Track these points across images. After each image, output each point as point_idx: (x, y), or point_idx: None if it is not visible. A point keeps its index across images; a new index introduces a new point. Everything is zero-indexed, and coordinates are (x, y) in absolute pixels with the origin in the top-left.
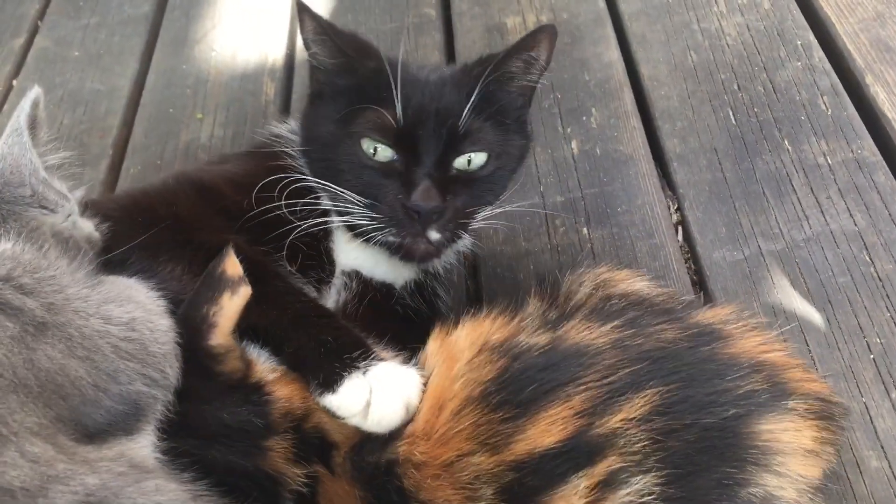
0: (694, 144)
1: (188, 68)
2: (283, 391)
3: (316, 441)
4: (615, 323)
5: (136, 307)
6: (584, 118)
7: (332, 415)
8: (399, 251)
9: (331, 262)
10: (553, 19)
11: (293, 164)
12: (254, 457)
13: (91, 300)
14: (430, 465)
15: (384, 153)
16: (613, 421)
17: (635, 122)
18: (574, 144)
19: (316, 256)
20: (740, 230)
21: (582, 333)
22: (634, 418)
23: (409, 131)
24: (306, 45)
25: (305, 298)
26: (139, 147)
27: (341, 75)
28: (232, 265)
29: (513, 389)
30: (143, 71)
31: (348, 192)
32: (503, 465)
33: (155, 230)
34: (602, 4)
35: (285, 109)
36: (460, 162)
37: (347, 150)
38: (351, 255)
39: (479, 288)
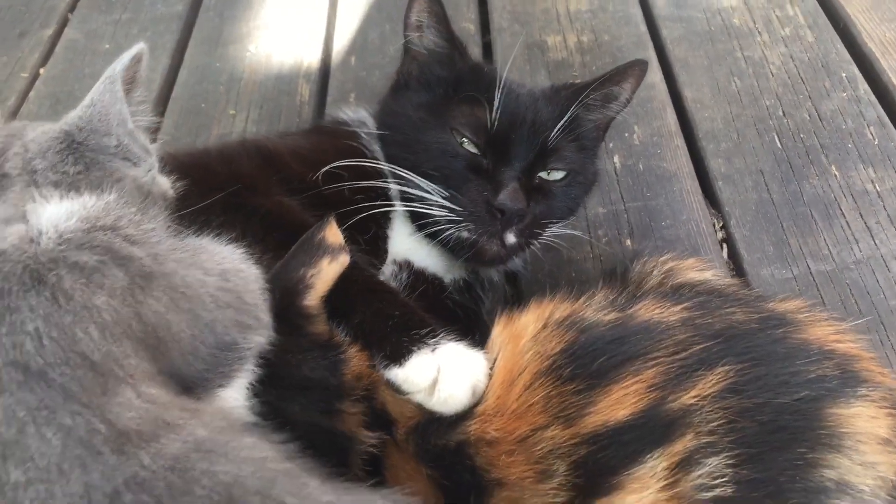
0: (739, 165)
1: (221, 66)
2: (356, 356)
3: (381, 414)
4: (686, 304)
5: (224, 258)
6: (627, 134)
7: (395, 389)
8: (469, 249)
9: (384, 250)
10: (594, 40)
11: (363, 147)
12: (330, 416)
13: (187, 251)
14: (504, 440)
15: (472, 149)
16: (687, 397)
17: (678, 141)
18: (616, 159)
19: (371, 241)
20: (788, 250)
21: (652, 312)
22: (709, 395)
23: (502, 135)
24: (410, 28)
25: (371, 273)
26: (169, 138)
27: (441, 66)
28: (333, 233)
29: (582, 362)
30: (175, 67)
31: (427, 181)
32: (577, 438)
33: (219, 194)
34: (643, 28)
35: (320, 112)
36: (544, 174)
37: (436, 139)
38: (405, 244)
39: (519, 293)
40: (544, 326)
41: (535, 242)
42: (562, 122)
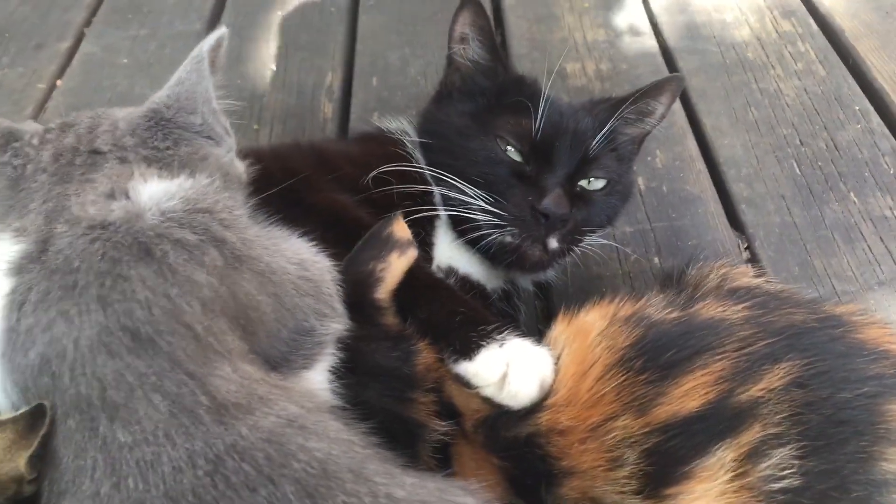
0: (761, 190)
1: (243, 83)
2: (425, 349)
3: (448, 406)
4: (746, 304)
5: (301, 249)
6: (649, 158)
7: (464, 383)
8: (512, 254)
9: (430, 256)
10: (612, 68)
11: (408, 154)
12: (402, 404)
13: (270, 239)
14: (576, 430)
15: (515, 157)
16: (755, 389)
17: (700, 165)
18: (641, 181)
19: (418, 246)
20: (813, 271)
21: (715, 310)
22: (776, 388)
23: (546, 143)
24: (454, 40)
25: (432, 271)
26: None
27: (484, 76)
28: (401, 228)
29: (652, 354)
30: None
31: (471, 187)
32: (648, 428)
33: (276, 188)
34: (660, 60)
35: (343, 129)
36: (585, 182)
37: (481, 146)
38: (448, 252)
39: (550, 307)
40: (611, 323)
41: (575, 249)
42: (602, 132)
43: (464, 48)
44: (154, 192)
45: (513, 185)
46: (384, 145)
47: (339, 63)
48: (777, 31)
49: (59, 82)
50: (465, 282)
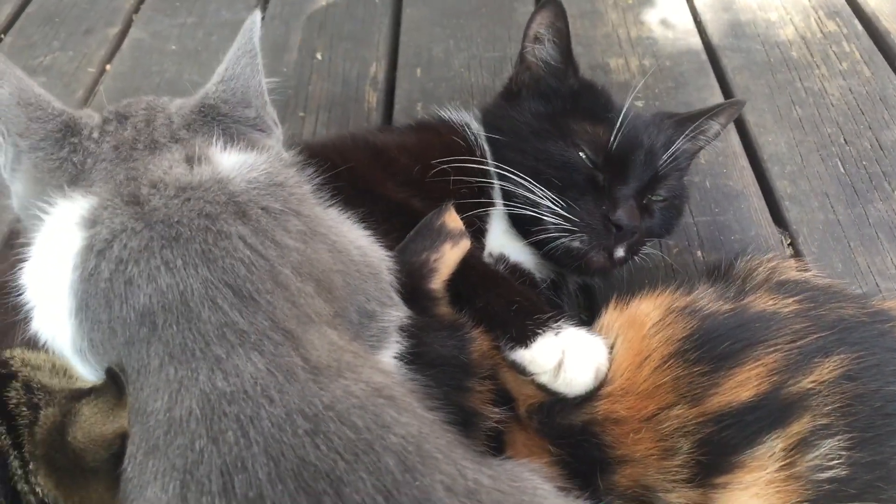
0: (804, 187)
1: (288, 71)
2: (480, 337)
3: (503, 393)
4: (797, 297)
5: (360, 236)
6: None
7: (520, 370)
8: (577, 259)
9: (480, 243)
10: (655, 64)
11: (469, 146)
12: (459, 392)
13: (333, 220)
14: (632, 419)
15: (589, 165)
16: (806, 382)
17: (743, 162)
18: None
19: (472, 235)
20: (857, 268)
21: (766, 303)
22: (826, 381)
23: (621, 155)
24: (529, 39)
25: (486, 262)
26: None
27: (557, 78)
28: (453, 219)
29: (707, 346)
30: None
31: (544, 189)
32: (703, 417)
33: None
34: (704, 57)
35: (388, 118)
36: (651, 196)
37: (558, 150)
38: (500, 240)
39: (592, 298)
40: (666, 314)
41: (635, 258)
42: (671, 150)
43: (537, 48)
44: (235, 161)
45: (585, 192)
46: (443, 135)
47: (383, 54)
48: (822, 31)
49: (108, 67)
50: (516, 269)
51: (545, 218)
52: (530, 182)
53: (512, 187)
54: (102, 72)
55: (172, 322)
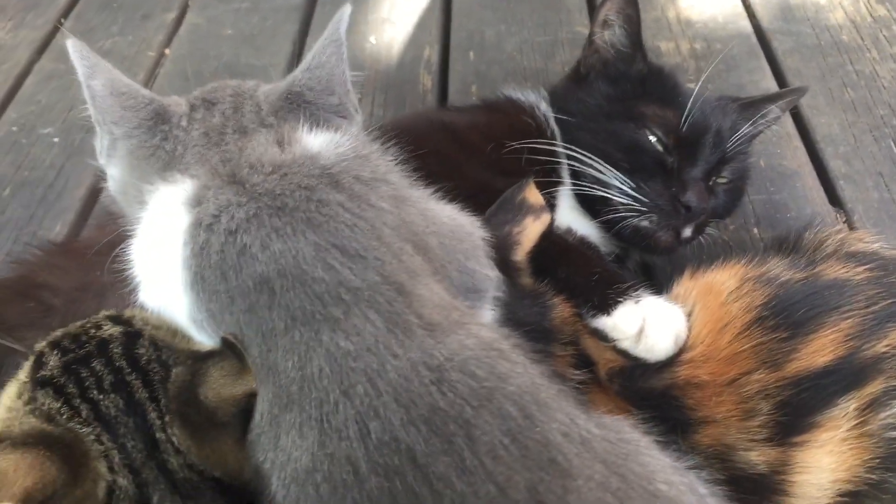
0: (858, 167)
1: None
2: (560, 304)
3: (584, 357)
4: (867, 266)
5: (447, 206)
6: None
7: (602, 336)
8: (645, 238)
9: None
10: (706, 48)
11: (539, 126)
12: (542, 356)
13: (419, 192)
14: (713, 383)
15: (660, 147)
16: (880, 346)
17: (797, 142)
18: None
19: None
20: None
21: (838, 271)
22: None
23: (691, 138)
24: (598, 23)
25: (565, 236)
26: None
27: (625, 62)
28: (533, 194)
29: (785, 314)
30: (298, 52)
31: (612, 169)
32: (782, 381)
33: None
34: (755, 41)
35: (442, 100)
36: (717, 178)
37: (629, 132)
38: (567, 216)
39: (651, 274)
40: (742, 282)
41: (700, 238)
42: (738, 134)
43: (606, 32)
44: (322, 140)
45: (655, 174)
46: (512, 115)
47: (435, 38)
48: (871, 16)
49: (167, 51)
50: (583, 242)
51: (614, 198)
52: (600, 163)
53: (582, 167)
54: (162, 56)
55: (289, 287)
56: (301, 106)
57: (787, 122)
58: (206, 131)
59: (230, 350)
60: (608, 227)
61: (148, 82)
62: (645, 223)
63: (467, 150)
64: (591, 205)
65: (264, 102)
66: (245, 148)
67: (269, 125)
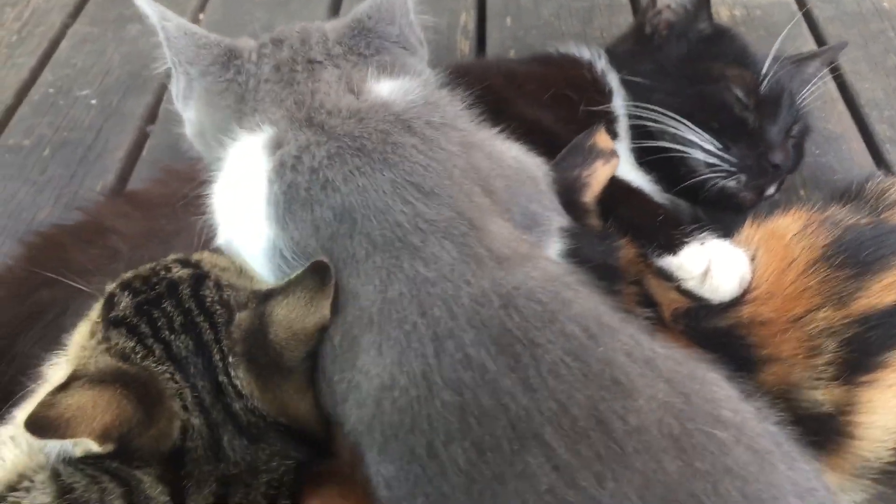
0: None
1: None
2: (626, 245)
3: (648, 297)
4: None
5: (510, 147)
6: None
7: (666, 276)
8: (730, 199)
9: None
10: (746, 15)
11: (592, 80)
12: (611, 294)
13: (485, 132)
14: (777, 321)
15: (740, 107)
16: None
17: (841, 106)
18: None
19: None
20: None
21: None
22: None
23: (771, 98)
24: None
25: (629, 180)
26: None
27: (692, 22)
28: (603, 139)
29: (851, 252)
30: (333, 16)
31: (699, 130)
32: (848, 319)
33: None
34: (795, 7)
35: None
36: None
37: (715, 93)
38: (623, 167)
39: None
40: (807, 225)
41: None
42: (805, 90)
43: None
44: (392, 87)
45: (741, 134)
46: (568, 69)
47: (471, 4)
48: None
49: (201, 16)
50: None
51: (698, 159)
52: (686, 123)
53: (660, 127)
54: (196, 21)
55: (371, 216)
56: (363, 34)
57: (831, 86)
58: (276, 65)
59: (316, 273)
60: (670, 182)
61: None
62: (732, 183)
63: (524, 95)
64: (661, 164)
65: (331, 32)
66: (317, 91)
67: (335, 56)
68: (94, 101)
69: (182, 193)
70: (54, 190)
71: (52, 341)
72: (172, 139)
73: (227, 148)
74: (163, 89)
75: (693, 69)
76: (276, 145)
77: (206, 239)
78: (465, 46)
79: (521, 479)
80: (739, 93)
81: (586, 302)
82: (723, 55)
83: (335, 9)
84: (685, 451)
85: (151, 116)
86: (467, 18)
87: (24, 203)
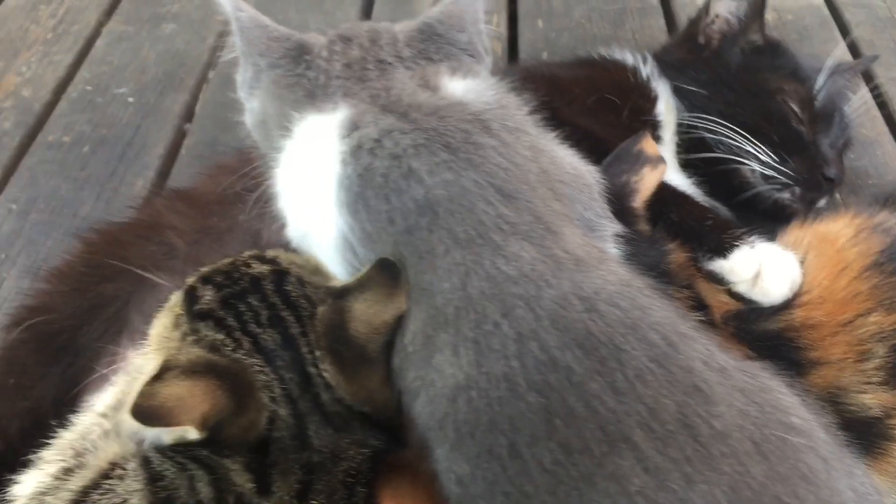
0: None
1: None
2: (675, 249)
3: (699, 300)
4: None
5: (568, 153)
6: None
7: (717, 279)
8: (782, 210)
9: None
10: (778, 19)
11: (637, 85)
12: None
13: (547, 139)
14: (829, 324)
15: (796, 121)
16: None
17: (875, 112)
18: None
19: None
20: None
21: None
22: None
23: (825, 111)
24: None
25: (677, 185)
26: None
27: (742, 34)
28: (650, 145)
29: None
30: (365, 17)
31: (755, 142)
32: None
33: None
34: (826, 12)
35: None
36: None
37: (773, 106)
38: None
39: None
40: (859, 231)
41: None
42: (851, 101)
43: (726, 1)
44: (467, 87)
45: (798, 147)
46: (612, 72)
47: (502, 6)
48: None
49: None
50: None
51: (754, 169)
52: (744, 135)
53: (717, 137)
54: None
55: (453, 211)
56: (433, 39)
57: (864, 91)
58: (347, 63)
59: (386, 271)
60: (721, 193)
61: (216, 46)
62: (786, 195)
63: (569, 100)
64: (713, 175)
65: (400, 34)
66: (391, 87)
67: (405, 58)
68: (131, 99)
69: (233, 189)
70: (95, 186)
71: (116, 334)
72: (209, 137)
73: (292, 134)
74: (199, 88)
75: (750, 81)
76: (353, 126)
77: (263, 237)
78: (497, 48)
79: (612, 480)
80: (796, 107)
81: (662, 309)
82: (778, 68)
83: (367, 9)
84: (767, 457)
85: (188, 115)
86: (498, 20)
87: (66, 199)
